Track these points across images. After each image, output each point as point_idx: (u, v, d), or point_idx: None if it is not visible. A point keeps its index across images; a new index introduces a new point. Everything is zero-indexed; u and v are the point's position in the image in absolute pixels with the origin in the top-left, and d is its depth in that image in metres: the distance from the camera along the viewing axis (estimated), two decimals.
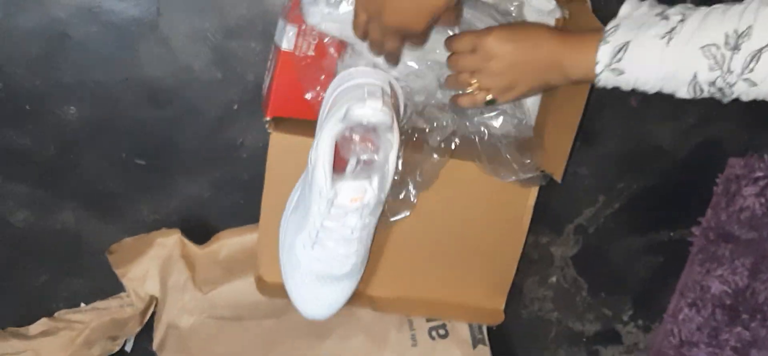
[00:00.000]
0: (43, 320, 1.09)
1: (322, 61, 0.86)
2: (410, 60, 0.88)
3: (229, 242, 1.06)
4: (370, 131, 0.78)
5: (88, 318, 1.08)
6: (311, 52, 0.85)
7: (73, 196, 1.04)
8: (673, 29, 0.67)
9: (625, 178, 1.15)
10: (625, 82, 0.71)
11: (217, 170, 1.04)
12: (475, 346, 1.06)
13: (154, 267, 1.04)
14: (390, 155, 0.78)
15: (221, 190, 1.06)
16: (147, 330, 1.08)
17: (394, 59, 0.81)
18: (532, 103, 0.97)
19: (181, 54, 0.95)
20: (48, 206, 1.04)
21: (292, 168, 0.87)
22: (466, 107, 0.84)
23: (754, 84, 0.65)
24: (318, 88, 0.87)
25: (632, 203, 1.17)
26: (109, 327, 1.08)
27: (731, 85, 0.66)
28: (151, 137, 1.01)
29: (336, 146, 0.78)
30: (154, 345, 1.06)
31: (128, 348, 1.12)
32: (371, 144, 0.79)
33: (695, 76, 0.67)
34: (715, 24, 0.65)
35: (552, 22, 0.91)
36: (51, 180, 1.03)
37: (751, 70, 0.64)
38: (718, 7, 0.67)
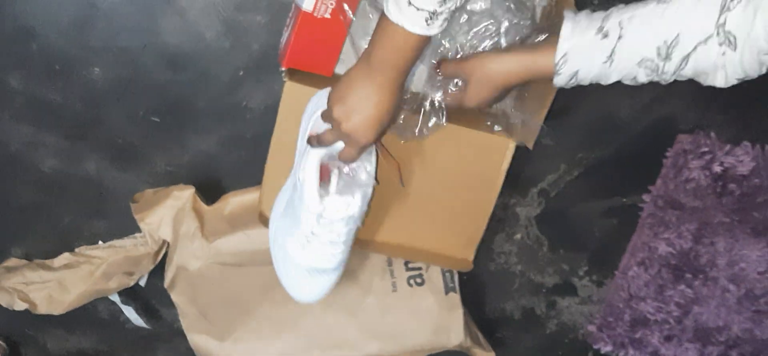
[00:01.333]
0: (66, 254, 1.16)
1: (336, 25, 0.92)
2: None
3: (233, 201, 1.12)
4: None
5: (105, 254, 1.15)
6: (328, 16, 0.91)
7: (96, 148, 1.10)
8: (613, 51, 0.71)
9: (584, 148, 1.20)
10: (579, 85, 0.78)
11: (225, 128, 1.09)
12: (447, 293, 1.14)
13: (168, 215, 1.10)
14: (370, 170, 0.86)
15: (227, 146, 1.11)
16: (159, 269, 1.16)
17: (346, 157, 0.83)
18: None
19: (195, 25, 1.00)
20: (74, 155, 1.10)
21: (300, 113, 0.93)
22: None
23: (684, 77, 0.71)
24: (329, 48, 0.94)
25: (590, 171, 1.22)
26: (123, 263, 1.15)
27: (666, 81, 0.71)
28: (167, 98, 1.06)
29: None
30: (166, 284, 1.13)
31: (142, 283, 1.20)
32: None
33: (635, 79, 0.73)
34: (648, 38, 0.68)
35: (539, 9, 0.96)
36: (77, 133, 1.08)
37: (682, 70, 0.69)
38: (647, 11, 0.69)
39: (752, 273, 1.33)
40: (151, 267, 1.15)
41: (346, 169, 0.87)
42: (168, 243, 1.13)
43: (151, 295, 1.26)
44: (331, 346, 1.14)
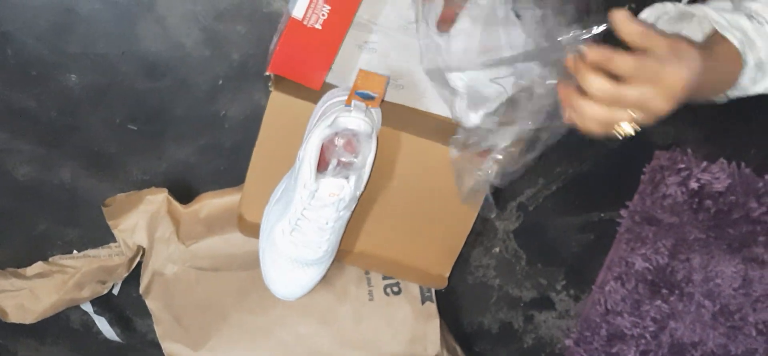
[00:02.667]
0: (39, 263, 1.14)
1: (328, 37, 0.91)
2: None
3: (210, 203, 1.11)
4: (353, 137, 0.89)
5: (79, 263, 1.14)
6: (318, 26, 0.89)
7: (72, 155, 1.08)
8: None
9: (562, 163, 1.20)
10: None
11: (202, 137, 1.09)
12: (423, 302, 1.14)
13: (142, 220, 1.09)
14: (368, 158, 0.89)
15: (205, 156, 1.10)
16: (133, 278, 1.14)
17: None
18: None
19: (174, 32, 1.00)
20: (48, 162, 1.09)
21: (284, 125, 0.94)
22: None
23: None
24: (318, 60, 0.93)
25: (568, 186, 1.21)
26: (97, 272, 1.14)
27: None
28: (144, 106, 1.05)
29: (322, 148, 0.87)
30: (141, 290, 1.12)
31: (115, 291, 1.18)
32: (352, 149, 0.90)
33: None
34: None
35: None
36: (52, 140, 1.07)
37: None
38: None
39: (727, 288, 1.34)
40: (126, 274, 1.13)
41: (344, 158, 0.89)
42: (143, 249, 1.12)
43: (124, 305, 1.25)
44: (306, 355, 1.13)
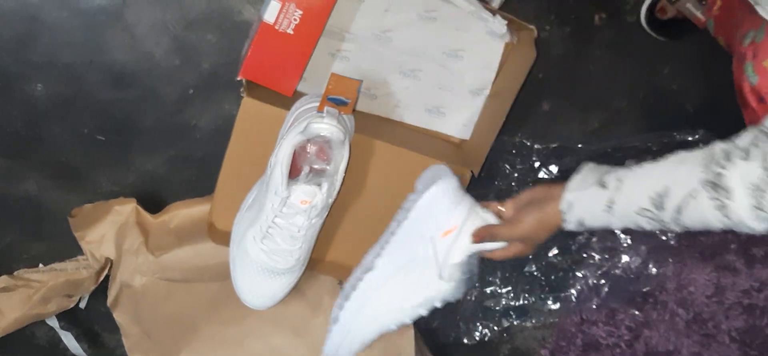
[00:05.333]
0: (4, 277, 1.12)
1: (299, 42, 0.90)
2: None
3: (180, 213, 1.09)
4: (325, 144, 0.88)
5: (45, 277, 1.11)
6: (290, 31, 0.89)
7: (38, 167, 1.07)
8: (612, 201, 0.75)
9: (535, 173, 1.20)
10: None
11: (173, 148, 1.08)
12: None
13: (110, 231, 1.07)
14: (340, 165, 0.87)
15: (175, 167, 1.09)
16: (101, 291, 1.12)
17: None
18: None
19: (143, 41, 0.99)
20: (13, 175, 1.07)
21: (256, 131, 0.93)
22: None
23: (687, 226, 0.72)
24: (290, 65, 0.92)
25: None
26: (64, 286, 1.11)
27: (674, 229, 0.74)
28: (113, 116, 1.04)
29: (294, 154, 0.86)
30: (109, 302, 1.10)
31: (82, 305, 1.16)
32: (324, 156, 0.89)
33: (640, 226, 0.75)
34: (642, 189, 0.73)
35: (502, 46, 1.01)
36: (17, 151, 1.06)
37: (680, 218, 0.71)
38: (642, 167, 0.75)
39: (700, 296, 1.35)
40: (93, 287, 1.12)
41: (316, 165, 0.88)
42: (111, 261, 1.10)
43: (92, 320, 1.22)
44: None
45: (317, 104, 0.90)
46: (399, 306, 0.87)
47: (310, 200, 0.85)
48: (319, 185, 0.86)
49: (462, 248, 0.84)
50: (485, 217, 0.85)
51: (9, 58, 0.98)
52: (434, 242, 0.84)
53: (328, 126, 0.84)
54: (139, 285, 1.09)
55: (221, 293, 1.04)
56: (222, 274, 1.04)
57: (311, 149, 0.89)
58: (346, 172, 0.90)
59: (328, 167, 0.88)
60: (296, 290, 1.01)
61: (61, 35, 0.98)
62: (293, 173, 0.88)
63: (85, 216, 1.09)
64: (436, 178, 0.87)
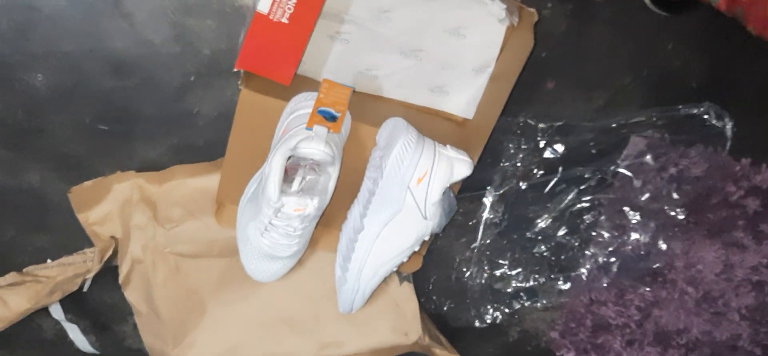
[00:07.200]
0: (12, 274, 1.12)
1: (295, 31, 0.89)
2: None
3: (186, 183, 1.08)
4: (314, 164, 0.91)
5: (54, 273, 1.12)
6: (285, 20, 0.89)
7: (40, 158, 1.06)
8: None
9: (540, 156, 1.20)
10: None
11: (175, 136, 1.07)
12: (401, 282, 1.16)
13: (114, 210, 1.07)
14: (329, 184, 0.92)
15: (178, 155, 1.09)
16: (107, 282, 1.13)
17: None
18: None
19: (142, 29, 0.98)
20: (16, 167, 1.07)
21: (256, 122, 0.94)
22: None
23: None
24: (286, 55, 0.91)
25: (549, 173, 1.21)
26: (72, 280, 1.11)
27: None
28: (114, 105, 1.03)
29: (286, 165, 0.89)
30: (120, 280, 1.09)
31: (85, 288, 1.15)
32: (317, 166, 0.91)
33: None
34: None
35: (504, 29, 1.01)
36: (19, 143, 1.05)
37: None
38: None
39: (709, 274, 1.34)
40: (98, 268, 1.10)
41: (309, 176, 0.92)
42: (116, 241, 1.10)
43: (99, 311, 1.22)
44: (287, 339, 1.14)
45: (309, 110, 0.90)
46: (395, 253, 0.97)
47: (302, 209, 0.89)
48: (311, 197, 0.90)
49: (437, 188, 0.93)
50: (449, 154, 0.94)
51: (8, 48, 0.97)
52: (411, 190, 0.93)
53: (316, 149, 0.86)
54: (149, 260, 1.09)
55: (229, 268, 1.06)
56: (230, 249, 1.06)
57: (303, 161, 0.92)
58: (337, 181, 0.93)
59: (320, 178, 0.91)
60: (302, 262, 1.06)
61: (59, 24, 0.97)
62: (291, 171, 0.91)
63: (86, 194, 1.08)
64: (396, 132, 0.93)
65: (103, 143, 1.07)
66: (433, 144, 0.94)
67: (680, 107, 1.18)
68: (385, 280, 1.11)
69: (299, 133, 0.88)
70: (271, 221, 0.92)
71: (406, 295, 1.15)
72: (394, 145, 0.92)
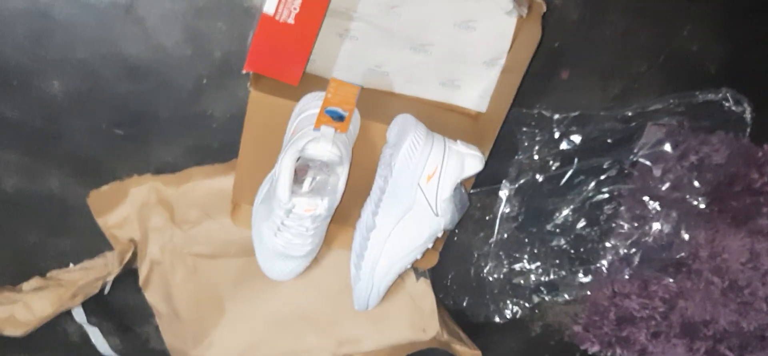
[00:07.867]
0: (36, 278, 1.14)
1: (301, 31, 0.90)
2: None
3: (202, 184, 1.09)
4: (324, 163, 0.91)
5: (76, 276, 1.13)
6: (291, 21, 0.89)
7: (59, 163, 1.08)
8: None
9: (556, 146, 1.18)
10: None
11: (189, 138, 1.08)
12: (418, 279, 1.15)
13: (132, 212, 1.09)
14: (339, 184, 0.92)
15: (193, 157, 1.10)
16: (128, 285, 1.14)
17: None
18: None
19: (154, 33, 0.99)
20: (36, 172, 1.09)
21: (267, 123, 0.95)
22: None
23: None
24: (293, 56, 0.92)
25: (566, 165, 1.20)
26: (94, 284, 1.13)
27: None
28: (129, 109, 1.04)
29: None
30: (140, 282, 1.11)
31: (106, 290, 1.16)
32: (326, 167, 0.92)
33: None
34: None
35: (514, 21, 1.00)
36: (38, 149, 1.07)
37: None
38: None
39: (734, 263, 1.32)
40: (118, 270, 1.12)
41: (319, 176, 0.92)
42: (135, 243, 1.11)
43: (122, 313, 1.23)
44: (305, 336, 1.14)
45: (318, 111, 0.91)
46: (408, 249, 0.96)
47: (313, 209, 0.90)
48: (321, 197, 0.90)
49: (448, 184, 0.93)
50: (459, 150, 0.93)
51: (24, 56, 0.99)
52: (421, 187, 0.93)
53: (323, 150, 0.87)
54: (168, 261, 1.10)
55: (246, 268, 1.07)
56: (247, 249, 1.06)
57: (312, 162, 0.92)
58: (347, 180, 0.93)
59: (329, 178, 0.92)
60: (318, 260, 1.07)
61: (74, 31, 0.99)
62: (301, 171, 0.92)
63: (104, 198, 1.10)
64: (405, 129, 0.93)
65: (119, 146, 1.08)
66: (442, 140, 0.94)
67: (698, 92, 1.15)
68: (402, 277, 1.12)
69: (307, 134, 0.88)
70: (284, 221, 0.93)
71: (422, 291, 1.15)
72: (403, 142, 0.92)
